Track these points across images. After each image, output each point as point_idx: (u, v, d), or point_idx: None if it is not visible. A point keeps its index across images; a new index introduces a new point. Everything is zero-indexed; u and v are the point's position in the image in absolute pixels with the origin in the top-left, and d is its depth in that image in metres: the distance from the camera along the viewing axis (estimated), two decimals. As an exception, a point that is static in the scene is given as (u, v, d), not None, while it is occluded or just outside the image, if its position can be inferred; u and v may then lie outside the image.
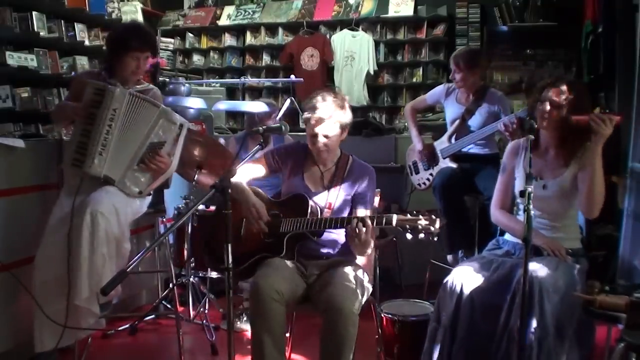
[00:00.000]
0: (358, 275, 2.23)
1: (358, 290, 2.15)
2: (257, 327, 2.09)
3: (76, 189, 2.49)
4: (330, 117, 2.25)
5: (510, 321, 2.04)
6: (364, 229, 2.08)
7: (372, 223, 2.09)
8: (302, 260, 2.32)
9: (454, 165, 3.35)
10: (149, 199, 2.78)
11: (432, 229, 1.97)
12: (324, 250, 2.35)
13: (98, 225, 2.38)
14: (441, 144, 3.44)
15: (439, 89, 3.57)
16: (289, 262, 2.28)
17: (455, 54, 3.39)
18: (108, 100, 2.49)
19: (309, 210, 2.25)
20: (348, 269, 2.24)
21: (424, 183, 3.54)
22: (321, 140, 2.28)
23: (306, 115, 2.30)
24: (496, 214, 2.47)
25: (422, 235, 1.98)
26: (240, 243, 2.34)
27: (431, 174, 3.48)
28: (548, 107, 2.22)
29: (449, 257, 3.40)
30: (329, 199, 2.33)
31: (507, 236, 2.44)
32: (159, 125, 2.57)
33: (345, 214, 2.34)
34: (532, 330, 1.97)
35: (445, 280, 2.25)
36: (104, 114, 2.49)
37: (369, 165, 2.42)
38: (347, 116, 2.32)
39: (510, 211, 2.47)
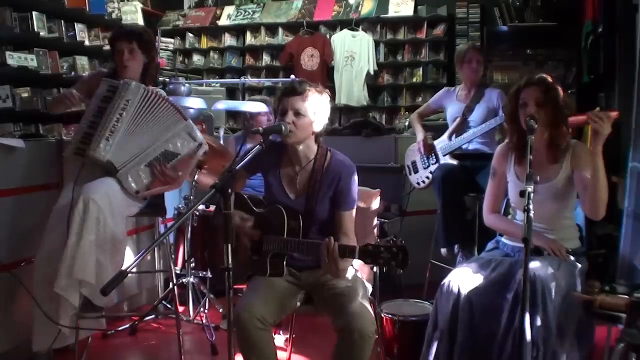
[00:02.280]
0: (357, 278, 2.19)
1: (364, 295, 2.09)
2: (247, 355, 2.05)
3: (75, 178, 2.49)
4: (304, 92, 2.11)
5: (514, 321, 1.99)
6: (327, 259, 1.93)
7: (338, 251, 1.93)
8: (293, 271, 2.22)
9: (454, 162, 3.36)
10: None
11: (393, 263, 1.83)
12: (314, 259, 2.16)
13: (89, 212, 2.36)
14: (441, 142, 3.46)
15: (441, 93, 3.66)
16: (277, 279, 2.16)
17: (473, 46, 3.55)
18: (123, 91, 2.55)
19: (286, 225, 2.11)
20: (349, 278, 2.14)
21: (423, 181, 3.55)
22: (291, 117, 2.10)
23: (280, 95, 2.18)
24: (491, 218, 2.44)
25: (385, 268, 1.90)
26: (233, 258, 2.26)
27: (431, 172, 3.49)
28: (533, 109, 2.18)
29: (443, 251, 3.39)
30: (308, 203, 2.17)
31: (506, 238, 2.42)
32: (180, 137, 2.61)
33: (327, 217, 2.19)
34: (537, 329, 1.95)
35: (442, 283, 2.21)
36: (116, 103, 2.53)
37: (350, 161, 2.23)
38: (322, 98, 2.17)
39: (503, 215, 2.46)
